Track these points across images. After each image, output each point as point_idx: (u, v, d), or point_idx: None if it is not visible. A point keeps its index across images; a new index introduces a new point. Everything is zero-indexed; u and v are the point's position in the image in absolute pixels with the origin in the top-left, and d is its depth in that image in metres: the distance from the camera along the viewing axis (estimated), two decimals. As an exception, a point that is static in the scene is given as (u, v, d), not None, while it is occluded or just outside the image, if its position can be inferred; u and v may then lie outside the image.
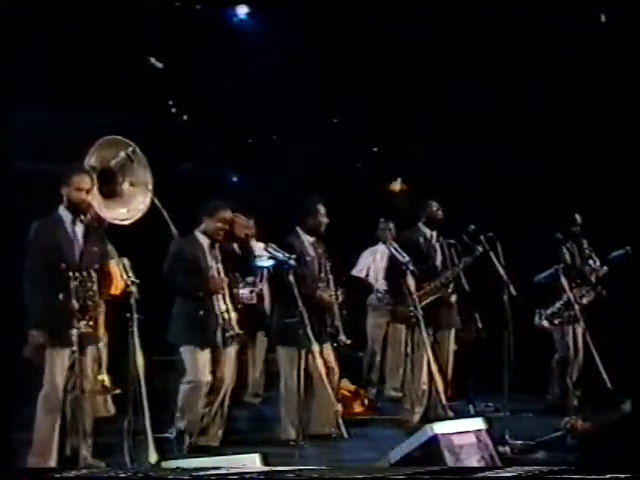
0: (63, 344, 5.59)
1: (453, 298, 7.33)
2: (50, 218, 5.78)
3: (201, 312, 6.37)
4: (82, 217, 5.78)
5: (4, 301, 6.09)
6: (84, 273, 5.62)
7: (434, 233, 7.46)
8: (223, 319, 6.40)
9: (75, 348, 5.52)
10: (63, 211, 5.78)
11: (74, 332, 5.50)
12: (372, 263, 8.93)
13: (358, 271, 9.04)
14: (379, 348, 8.87)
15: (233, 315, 6.45)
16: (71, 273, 5.55)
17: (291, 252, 6.52)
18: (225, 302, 6.43)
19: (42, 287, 5.60)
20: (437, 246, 7.43)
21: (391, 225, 8.80)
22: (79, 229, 5.77)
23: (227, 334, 6.38)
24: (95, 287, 5.69)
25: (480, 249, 7.06)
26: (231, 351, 6.52)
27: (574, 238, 8.00)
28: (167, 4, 9.22)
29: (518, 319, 6.89)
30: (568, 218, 7.98)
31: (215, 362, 6.43)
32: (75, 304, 5.53)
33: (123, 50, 8.81)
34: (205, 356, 6.37)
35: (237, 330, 6.42)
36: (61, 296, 5.54)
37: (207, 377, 6.36)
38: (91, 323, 5.65)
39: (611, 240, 8.00)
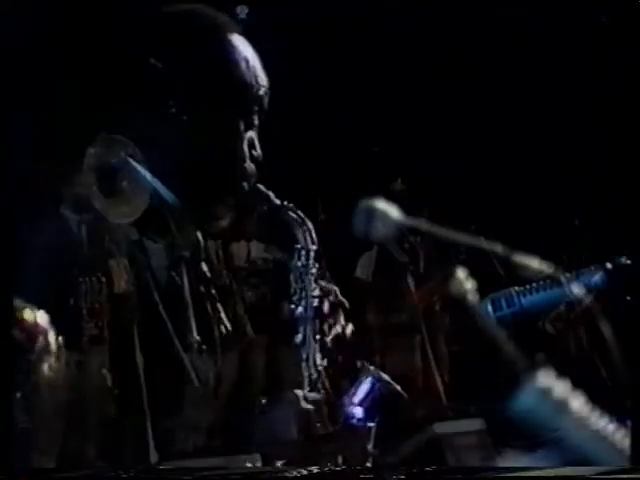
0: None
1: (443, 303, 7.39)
2: (52, 219, 5.79)
3: None
4: (85, 216, 5.81)
5: (6, 300, 6.11)
6: (90, 274, 5.64)
7: (418, 238, 7.49)
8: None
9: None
10: (65, 211, 5.82)
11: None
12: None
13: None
14: None
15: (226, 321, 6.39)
16: (79, 275, 5.56)
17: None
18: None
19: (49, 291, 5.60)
20: (420, 252, 7.47)
21: None
22: (83, 229, 5.80)
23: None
24: (101, 288, 5.70)
25: (463, 256, 7.08)
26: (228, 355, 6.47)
27: (574, 238, 8.03)
28: (167, 4, 9.24)
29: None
30: (568, 218, 8.02)
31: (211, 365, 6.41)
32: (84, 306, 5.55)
33: (122, 50, 8.83)
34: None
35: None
36: (72, 301, 5.55)
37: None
38: (99, 324, 5.67)
39: (611, 240, 8.03)
